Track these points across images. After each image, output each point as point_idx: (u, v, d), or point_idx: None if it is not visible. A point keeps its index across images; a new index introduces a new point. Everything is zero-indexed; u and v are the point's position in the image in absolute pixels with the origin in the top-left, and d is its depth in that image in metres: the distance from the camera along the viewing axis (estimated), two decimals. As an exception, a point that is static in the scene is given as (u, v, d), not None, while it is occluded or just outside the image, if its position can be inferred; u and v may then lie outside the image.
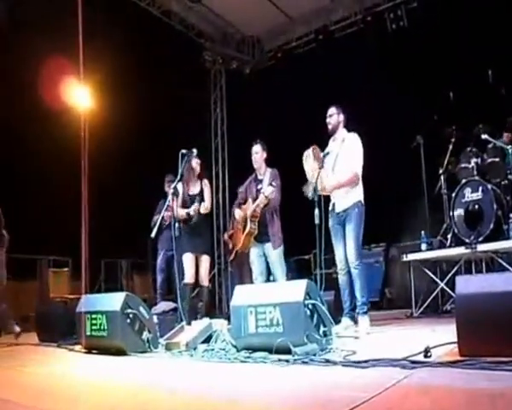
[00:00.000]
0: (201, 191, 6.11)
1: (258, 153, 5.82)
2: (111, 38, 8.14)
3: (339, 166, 5.25)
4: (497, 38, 7.41)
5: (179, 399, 2.50)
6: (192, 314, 5.77)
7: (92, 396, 2.73)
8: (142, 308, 4.47)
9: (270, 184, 5.51)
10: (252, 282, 5.83)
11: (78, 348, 4.84)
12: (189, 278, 5.93)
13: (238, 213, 5.83)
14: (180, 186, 5.78)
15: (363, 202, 5.21)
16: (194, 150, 5.65)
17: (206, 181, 6.22)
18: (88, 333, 4.60)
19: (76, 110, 5.86)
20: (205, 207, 5.99)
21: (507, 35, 7.34)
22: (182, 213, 5.94)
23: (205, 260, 6.04)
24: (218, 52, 10.90)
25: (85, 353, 4.65)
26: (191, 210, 5.90)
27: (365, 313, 5.00)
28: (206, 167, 6.48)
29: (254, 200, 5.68)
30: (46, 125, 7.85)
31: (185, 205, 6.01)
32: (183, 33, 10.17)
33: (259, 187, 5.77)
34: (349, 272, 5.15)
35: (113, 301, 4.51)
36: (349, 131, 5.38)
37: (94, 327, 4.55)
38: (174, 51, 9.40)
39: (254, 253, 5.79)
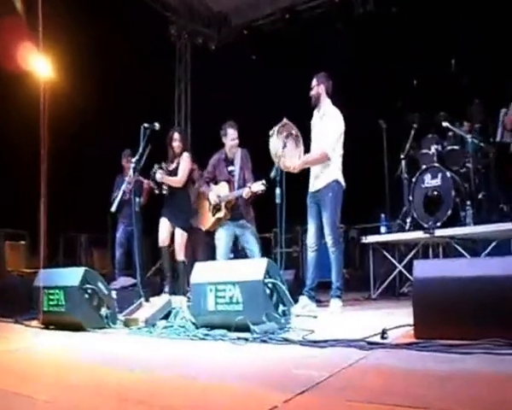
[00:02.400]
0: (177, 167, 6.07)
1: (237, 138, 5.75)
2: (73, 6, 7.89)
3: (315, 144, 5.23)
4: (461, 28, 7.51)
5: (138, 376, 2.49)
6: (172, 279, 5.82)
7: (50, 374, 2.68)
8: (100, 284, 4.42)
9: (259, 180, 5.42)
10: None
11: (34, 323, 4.74)
12: (161, 241, 5.99)
13: (212, 196, 5.71)
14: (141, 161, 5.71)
15: (339, 180, 5.17)
16: (157, 124, 5.55)
17: (184, 155, 6.10)
18: (45, 308, 4.51)
19: (34, 78, 5.67)
20: (175, 179, 5.95)
21: (471, 25, 7.45)
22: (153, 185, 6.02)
23: (178, 234, 5.97)
24: (184, 27, 10.72)
25: (43, 328, 4.55)
26: (158, 174, 5.85)
27: (338, 296, 5.04)
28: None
29: (227, 182, 5.66)
30: (1, 92, 7.59)
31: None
32: (149, 5, 9.93)
33: (230, 169, 5.73)
34: (317, 251, 5.18)
35: (71, 276, 4.43)
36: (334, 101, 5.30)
37: (51, 302, 4.46)
38: (139, 23, 9.18)
39: (224, 232, 5.73)
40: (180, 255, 5.94)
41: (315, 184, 5.23)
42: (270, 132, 5.13)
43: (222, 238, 5.73)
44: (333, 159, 5.15)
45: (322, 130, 5.18)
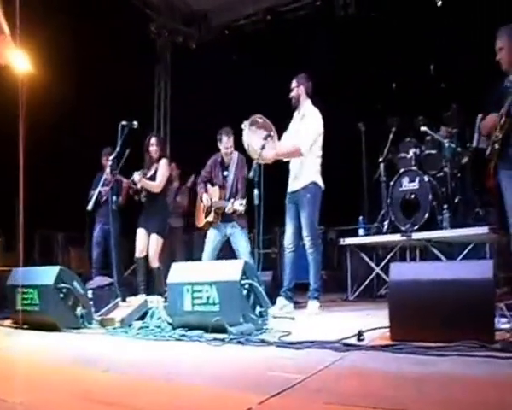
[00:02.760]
0: (156, 172, 6.00)
1: (232, 146, 5.70)
2: (52, 4, 7.77)
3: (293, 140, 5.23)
4: (441, 33, 7.59)
5: (112, 377, 2.47)
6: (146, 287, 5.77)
7: (23, 375, 2.64)
8: (76, 283, 4.37)
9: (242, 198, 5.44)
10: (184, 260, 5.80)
11: (7, 322, 4.67)
12: (138, 252, 5.90)
13: (205, 198, 5.69)
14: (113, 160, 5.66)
15: (318, 182, 5.17)
16: (135, 123, 5.49)
17: (162, 161, 6.03)
18: (19, 307, 4.43)
19: (12, 74, 5.58)
20: (153, 183, 5.88)
21: (450, 30, 7.53)
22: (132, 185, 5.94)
23: (153, 240, 5.90)
24: (165, 25, 10.64)
25: (16, 328, 4.47)
26: (136, 175, 5.77)
27: (316, 298, 5.05)
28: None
29: (220, 187, 5.65)
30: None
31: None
32: (130, 2, 9.83)
33: (225, 174, 5.71)
34: (295, 252, 5.19)
35: (46, 274, 4.38)
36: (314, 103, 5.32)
37: (25, 301, 4.39)
38: (119, 19, 9.08)
39: (214, 233, 5.69)
40: (155, 262, 5.88)
41: (293, 185, 5.24)
42: (242, 126, 5.14)
43: (210, 239, 5.71)
44: (311, 160, 5.17)
45: (302, 129, 5.19)
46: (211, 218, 5.65)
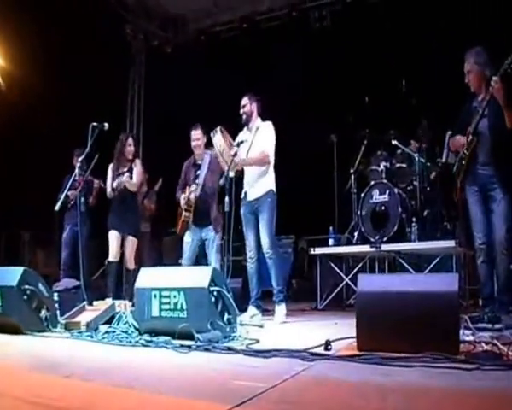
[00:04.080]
0: (130, 169, 6.00)
1: (199, 139, 5.76)
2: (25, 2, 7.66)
3: (252, 154, 5.30)
4: (412, 50, 7.73)
5: (73, 383, 2.40)
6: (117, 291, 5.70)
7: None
8: (41, 285, 4.27)
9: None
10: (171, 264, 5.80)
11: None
12: (112, 256, 5.84)
13: (183, 197, 5.72)
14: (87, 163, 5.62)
15: (274, 190, 5.29)
16: (106, 124, 5.44)
17: (137, 161, 6.11)
18: (-21, 308, 4.33)
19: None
20: (130, 182, 5.88)
21: (422, 48, 7.67)
22: (109, 191, 5.92)
23: (130, 242, 5.90)
24: (140, 27, 10.59)
25: (-25, 329, 4.37)
26: (116, 182, 5.79)
27: (282, 300, 5.08)
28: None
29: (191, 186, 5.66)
30: None
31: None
32: (105, 2, 9.72)
33: (198, 173, 5.74)
34: (258, 261, 5.21)
35: (9, 275, 4.25)
36: (263, 120, 5.44)
37: (-13, 303, 4.29)
38: (94, 20, 8.98)
39: (190, 237, 5.71)
40: (132, 264, 5.88)
41: (252, 193, 5.31)
42: (213, 133, 5.22)
43: (188, 242, 5.72)
44: (270, 169, 5.30)
45: (260, 139, 5.30)
46: (182, 216, 5.65)
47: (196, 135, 5.77)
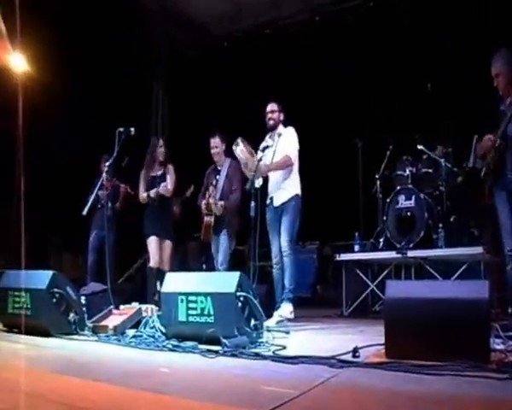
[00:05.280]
0: (164, 174, 6.07)
1: (218, 146, 5.84)
2: (51, 4, 7.76)
3: (276, 160, 5.31)
4: (438, 53, 7.66)
5: (103, 387, 2.43)
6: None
7: (11, 380, 2.61)
8: (69, 288, 4.35)
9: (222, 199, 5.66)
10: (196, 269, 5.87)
11: (-2, 325, 4.64)
12: (154, 262, 5.92)
13: (203, 203, 5.80)
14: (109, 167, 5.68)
15: (300, 194, 5.32)
16: (132, 129, 5.50)
17: (170, 167, 6.15)
18: (10, 311, 4.40)
19: (9, 76, 5.56)
20: (166, 188, 5.93)
21: (448, 50, 7.60)
22: (143, 196, 5.98)
23: (167, 246, 6.00)
24: (165, 33, 10.67)
25: (6, 331, 4.45)
26: (152, 192, 5.88)
27: (289, 299, 5.09)
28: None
29: (213, 190, 5.71)
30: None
31: (148, 189, 6.01)
32: (131, 9, 9.82)
33: (217, 178, 5.80)
34: (283, 267, 5.20)
35: (38, 278, 4.34)
36: (286, 125, 5.48)
37: (17, 305, 4.35)
38: (117, 26, 9.09)
39: (213, 244, 5.82)
40: (167, 266, 5.96)
41: (278, 199, 5.34)
42: (235, 145, 5.27)
43: (214, 250, 5.81)
44: (294, 173, 5.35)
45: (283, 144, 5.33)
46: (204, 220, 5.72)
47: (214, 143, 5.85)
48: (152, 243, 5.94)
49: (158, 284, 5.92)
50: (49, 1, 7.66)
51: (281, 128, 5.45)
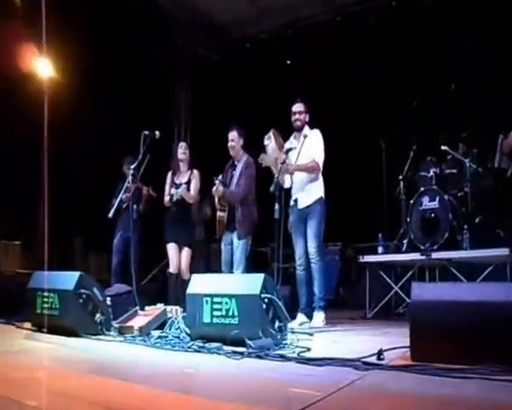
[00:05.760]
0: (189, 181, 6.00)
1: (234, 140, 5.72)
2: (75, 13, 7.86)
3: (301, 162, 5.30)
4: (461, 52, 7.58)
5: (129, 387, 2.47)
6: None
7: (40, 379, 2.68)
8: (96, 289, 4.41)
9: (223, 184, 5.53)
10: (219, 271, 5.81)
11: (26, 325, 4.72)
12: (173, 268, 5.91)
13: (216, 198, 5.71)
14: (134, 169, 5.67)
15: (324, 197, 5.30)
16: (157, 133, 5.53)
17: (195, 172, 6.08)
18: (39, 311, 4.50)
19: (35, 80, 5.65)
20: (189, 194, 5.89)
21: (472, 50, 7.52)
22: (167, 199, 5.95)
23: (185, 253, 5.93)
24: (187, 36, 10.73)
25: (35, 331, 4.54)
26: (174, 193, 5.81)
27: (321, 307, 5.07)
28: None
29: (226, 186, 5.62)
30: (2, 95, 7.56)
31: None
32: (153, 12, 9.91)
33: (233, 173, 5.73)
34: (307, 269, 5.20)
35: (66, 279, 4.43)
36: (311, 127, 5.44)
37: (45, 305, 4.45)
38: (140, 30, 9.17)
39: (223, 241, 5.72)
40: (187, 274, 5.86)
41: (302, 201, 5.30)
42: (267, 138, 5.22)
43: (222, 246, 5.73)
44: (319, 176, 5.32)
45: (309, 147, 5.30)
46: (217, 216, 5.67)
47: (231, 136, 5.75)
48: (170, 249, 5.93)
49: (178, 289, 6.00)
50: (73, 6, 7.76)
51: (306, 129, 5.41)
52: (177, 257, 5.92)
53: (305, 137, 5.34)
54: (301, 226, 5.27)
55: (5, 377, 2.71)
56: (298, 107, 5.41)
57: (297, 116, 5.39)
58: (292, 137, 5.49)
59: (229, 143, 5.74)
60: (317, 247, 5.12)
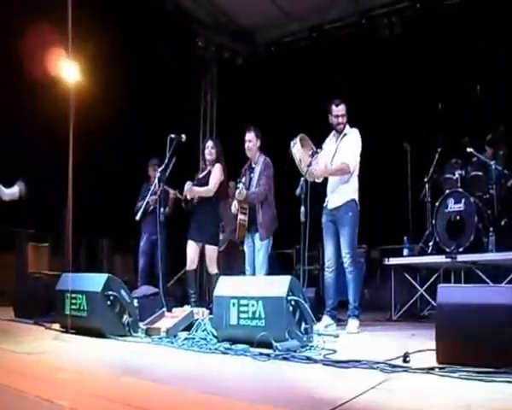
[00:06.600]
0: (208, 175, 5.95)
1: (251, 141, 5.68)
2: (101, 17, 7.99)
3: (336, 161, 5.25)
4: (486, 54, 7.51)
5: (160, 388, 2.51)
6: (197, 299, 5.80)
7: (70, 380, 2.73)
8: (123, 291, 4.48)
9: (247, 189, 5.52)
10: (240, 273, 5.80)
11: (55, 326, 4.80)
12: (188, 265, 5.89)
13: (234, 204, 5.68)
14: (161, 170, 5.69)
15: (357, 200, 5.20)
16: (183, 136, 5.57)
17: (216, 165, 5.97)
18: (67, 312, 4.58)
19: (62, 84, 5.75)
20: (203, 189, 5.83)
21: (498, 52, 7.44)
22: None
23: (208, 251, 5.86)
24: (212, 40, 10.81)
25: (63, 332, 4.61)
26: (186, 186, 5.77)
27: (356, 316, 5.04)
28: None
29: (247, 189, 5.59)
30: (31, 98, 7.72)
31: None
32: (177, 17, 10.00)
33: (251, 176, 5.72)
34: (335, 271, 5.18)
35: (94, 281, 4.51)
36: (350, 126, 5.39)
37: (73, 307, 4.53)
38: (166, 34, 9.26)
39: (245, 243, 5.71)
40: (213, 269, 5.85)
41: (334, 201, 5.25)
42: (292, 143, 5.15)
43: (246, 248, 5.74)
44: (352, 178, 5.22)
45: (345, 146, 5.23)
46: (238, 219, 5.60)
47: (248, 137, 5.71)
48: (188, 247, 5.90)
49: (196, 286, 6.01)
50: (100, 11, 7.90)
51: (347, 128, 5.31)
52: (193, 254, 5.86)
53: (345, 135, 5.27)
54: (331, 227, 5.22)
55: (36, 377, 2.79)
56: (342, 109, 5.27)
57: (340, 119, 5.26)
58: (328, 139, 5.42)
59: (246, 145, 5.71)
60: (352, 256, 5.05)
